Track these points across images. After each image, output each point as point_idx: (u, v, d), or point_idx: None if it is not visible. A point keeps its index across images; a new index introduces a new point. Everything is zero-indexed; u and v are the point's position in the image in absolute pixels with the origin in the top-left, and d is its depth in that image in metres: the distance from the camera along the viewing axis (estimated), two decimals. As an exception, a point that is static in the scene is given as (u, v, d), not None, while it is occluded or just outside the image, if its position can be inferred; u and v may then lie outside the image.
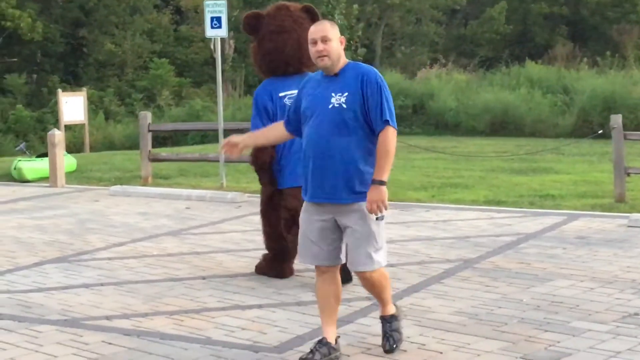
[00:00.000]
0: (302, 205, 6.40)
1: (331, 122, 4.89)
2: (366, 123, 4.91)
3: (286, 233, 7.05)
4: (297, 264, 7.16)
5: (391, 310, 5.25)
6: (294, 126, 5.22)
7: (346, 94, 4.89)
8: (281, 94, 7.10)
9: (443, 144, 19.23)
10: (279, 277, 7.24)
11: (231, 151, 5.31)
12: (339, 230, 5.03)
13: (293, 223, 6.67)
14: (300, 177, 6.29)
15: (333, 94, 4.92)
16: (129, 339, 5.62)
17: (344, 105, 4.88)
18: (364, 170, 4.90)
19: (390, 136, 4.89)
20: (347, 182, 4.89)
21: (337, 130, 4.88)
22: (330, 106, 4.90)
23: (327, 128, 4.90)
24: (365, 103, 4.89)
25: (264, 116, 7.09)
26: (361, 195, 4.89)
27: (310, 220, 5.07)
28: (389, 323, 5.21)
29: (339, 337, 5.15)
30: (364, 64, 5.11)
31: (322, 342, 5.05)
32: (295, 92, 6.37)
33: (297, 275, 7.19)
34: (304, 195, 5.13)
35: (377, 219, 4.92)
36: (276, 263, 7.32)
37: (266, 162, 7.09)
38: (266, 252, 7.47)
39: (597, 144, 17.54)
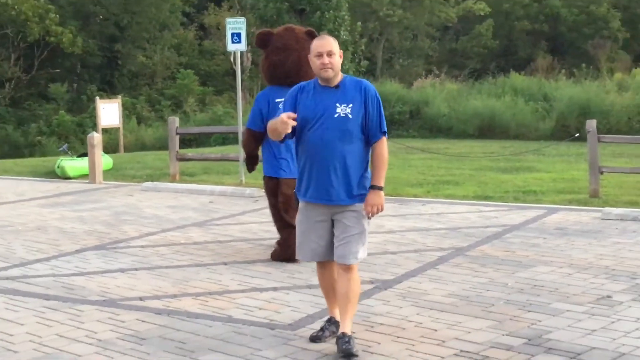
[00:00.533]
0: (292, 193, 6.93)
1: (336, 130, 4.76)
2: (363, 133, 4.84)
3: (284, 214, 7.40)
4: None
5: (350, 329, 4.83)
6: (290, 132, 4.81)
7: (351, 105, 4.79)
8: (277, 100, 7.30)
9: (437, 146, 19.21)
10: (290, 261, 7.30)
11: (287, 125, 4.72)
12: (332, 226, 4.92)
13: (288, 206, 7.28)
14: (293, 170, 7.11)
15: (338, 104, 4.79)
16: (160, 317, 5.64)
17: (350, 116, 4.77)
18: (362, 174, 4.86)
19: (385, 146, 4.88)
20: (348, 185, 4.81)
21: (342, 138, 4.77)
22: (336, 115, 4.78)
23: (333, 135, 4.76)
24: (366, 114, 4.81)
25: (257, 116, 7.49)
26: (359, 197, 4.83)
27: (308, 221, 4.94)
28: (350, 338, 4.76)
29: None
30: (361, 79, 5.01)
31: (331, 321, 5.08)
32: None
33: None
34: (302, 195, 4.96)
35: (368, 218, 4.88)
36: (289, 248, 7.33)
37: (254, 151, 7.65)
38: (279, 238, 7.56)
39: (574, 146, 17.51)
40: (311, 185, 4.86)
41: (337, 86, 4.86)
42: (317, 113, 4.82)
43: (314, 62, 4.86)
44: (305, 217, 4.96)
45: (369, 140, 4.86)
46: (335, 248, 4.88)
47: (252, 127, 7.52)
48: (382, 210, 4.84)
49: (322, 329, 5.05)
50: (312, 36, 7.57)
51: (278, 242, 7.58)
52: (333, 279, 5.03)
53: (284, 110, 4.96)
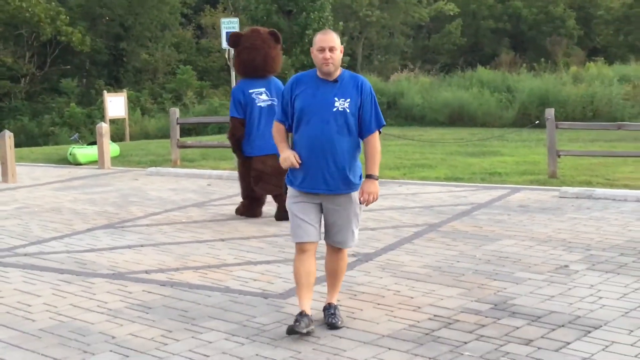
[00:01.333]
0: (265, 168, 7.93)
1: (335, 124, 4.48)
2: (357, 126, 4.56)
3: (254, 186, 8.21)
4: (267, 207, 8.46)
5: (335, 300, 4.80)
6: (290, 122, 4.65)
7: (349, 100, 4.51)
8: (250, 91, 8.18)
9: (412, 133, 19.22)
10: (254, 217, 8.41)
11: (287, 165, 4.58)
12: (321, 212, 4.65)
13: (259, 179, 8.10)
14: (262, 149, 8.04)
15: (336, 99, 4.50)
16: (164, 289, 5.64)
17: (348, 110, 4.49)
18: (356, 165, 4.65)
19: (378, 139, 4.64)
20: (346, 176, 4.54)
21: (340, 131, 4.49)
22: (335, 109, 4.49)
23: (332, 128, 4.48)
24: (361, 109, 4.54)
25: (238, 106, 8.19)
26: (353, 186, 4.59)
27: (301, 204, 4.58)
28: (335, 308, 4.73)
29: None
30: (358, 75, 4.70)
31: (303, 315, 4.54)
32: (259, 89, 8.20)
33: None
34: (296, 185, 4.60)
35: (365, 205, 4.67)
36: (250, 208, 8.47)
37: (239, 139, 8.24)
38: (242, 200, 8.57)
39: (534, 132, 17.59)
40: (308, 176, 4.55)
41: (336, 80, 4.56)
42: (315, 106, 4.51)
43: (316, 56, 4.54)
44: (297, 201, 4.60)
45: (361, 133, 4.60)
46: (334, 234, 4.66)
47: (236, 116, 8.22)
48: (377, 198, 4.64)
49: (297, 321, 4.48)
50: (275, 36, 8.44)
51: (242, 203, 8.57)
52: (313, 265, 4.63)
53: (282, 104, 4.64)
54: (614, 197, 9.02)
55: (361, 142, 4.67)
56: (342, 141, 4.52)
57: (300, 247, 4.62)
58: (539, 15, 42.80)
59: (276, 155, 7.83)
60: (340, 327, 4.64)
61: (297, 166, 4.53)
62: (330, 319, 4.65)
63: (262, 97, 8.16)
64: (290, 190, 4.66)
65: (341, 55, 4.58)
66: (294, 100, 4.60)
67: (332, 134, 4.50)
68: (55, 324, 4.88)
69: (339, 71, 4.59)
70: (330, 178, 4.53)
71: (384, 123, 4.69)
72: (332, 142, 4.49)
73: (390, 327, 4.64)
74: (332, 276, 4.79)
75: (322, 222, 4.72)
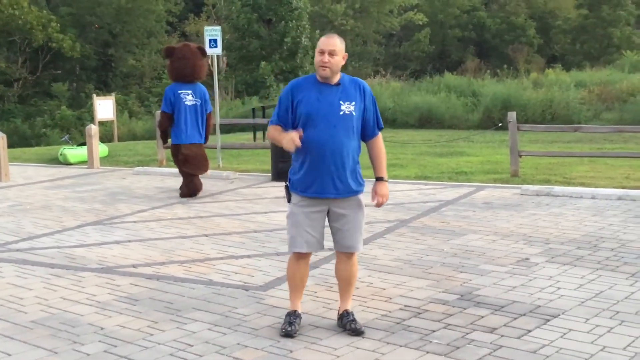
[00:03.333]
0: (190, 153, 9.43)
1: (343, 127, 4.20)
2: (360, 129, 4.33)
3: (182, 166, 9.57)
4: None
5: (351, 306, 4.53)
6: (288, 129, 4.27)
7: (354, 103, 4.24)
8: (179, 92, 9.51)
9: (384, 135, 19.05)
10: (195, 191, 9.66)
11: (292, 147, 4.18)
12: (325, 219, 4.38)
13: (185, 161, 9.48)
14: (188, 139, 9.45)
15: (341, 102, 4.21)
16: (150, 282, 5.59)
17: (354, 113, 4.23)
18: (359, 167, 4.36)
19: (382, 141, 4.43)
20: (355, 178, 4.30)
21: (347, 134, 4.22)
22: (341, 113, 4.20)
23: (340, 132, 4.20)
24: (365, 112, 4.31)
25: (168, 103, 9.52)
26: (360, 189, 4.34)
27: (306, 213, 4.28)
28: (353, 314, 4.46)
29: None
30: (357, 78, 4.42)
31: (295, 314, 4.45)
32: (187, 91, 9.52)
33: (276, 230, 7.18)
34: (301, 191, 4.28)
35: (375, 205, 4.43)
36: (189, 186, 9.64)
37: (165, 129, 9.73)
38: (181, 184, 9.76)
39: (498, 134, 17.68)
40: (316, 182, 4.24)
41: (338, 84, 4.26)
42: (321, 110, 4.20)
43: (316, 57, 4.24)
44: (302, 210, 4.29)
45: (365, 136, 4.37)
46: (341, 239, 4.36)
47: (165, 110, 9.54)
48: (387, 199, 4.41)
49: (291, 324, 4.38)
50: (201, 50, 9.80)
51: (181, 186, 9.76)
52: (306, 271, 4.48)
53: (279, 110, 4.30)
54: (571, 194, 9.10)
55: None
56: (350, 144, 4.25)
57: (299, 255, 4.40)
58: (501, 25, 43.15)
59: (198, 144, 9.54)
60: (364, 332, 4.34)
61: (299, 143, 4.14)
62: (353, 325, 4.36)
63: (189, 98, 9.53)
64: (295, 197, 4.33)
65: (343, 61, 4.25)
66: (296, 106, 4.26)
67: (341, 138, 4.21)
68: (46, 316, 4.82)
69: (339, 75, 4.29)
70: (339, 182, 4.25)
71: (382, 126, 4.48)
72: (341, 145, 4.21)
73: (363, 317, 4.63)
74: (345, 283, 4.48)
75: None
